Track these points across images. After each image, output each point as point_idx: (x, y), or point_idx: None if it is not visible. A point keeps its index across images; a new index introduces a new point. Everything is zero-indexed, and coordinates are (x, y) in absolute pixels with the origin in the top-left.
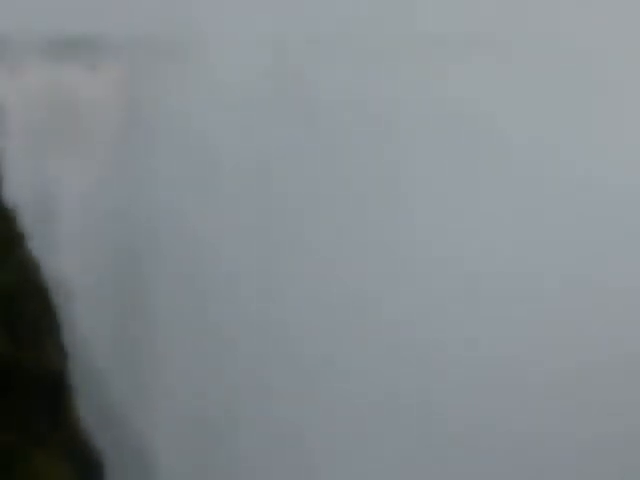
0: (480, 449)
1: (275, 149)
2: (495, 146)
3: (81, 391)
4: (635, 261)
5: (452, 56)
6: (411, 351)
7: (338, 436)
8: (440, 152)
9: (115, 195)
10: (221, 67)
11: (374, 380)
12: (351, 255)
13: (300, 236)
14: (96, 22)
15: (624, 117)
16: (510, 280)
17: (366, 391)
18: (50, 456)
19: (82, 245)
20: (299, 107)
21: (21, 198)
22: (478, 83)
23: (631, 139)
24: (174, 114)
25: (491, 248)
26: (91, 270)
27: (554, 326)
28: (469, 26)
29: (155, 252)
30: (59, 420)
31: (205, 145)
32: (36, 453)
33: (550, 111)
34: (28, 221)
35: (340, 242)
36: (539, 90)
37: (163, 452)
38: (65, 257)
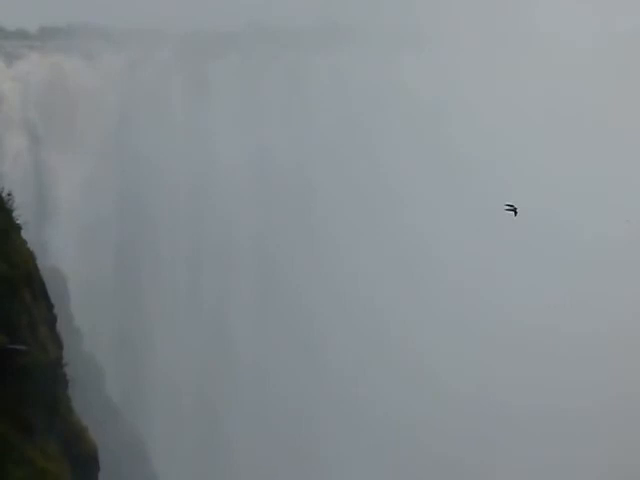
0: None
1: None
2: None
3: (77, 382)
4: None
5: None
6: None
7: (338, 433)
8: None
9: (113, 187)
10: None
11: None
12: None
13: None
14: (95, 11)
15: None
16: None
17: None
18: (42, 447)
19: (80, 236)
20: None
21: (18, 189)
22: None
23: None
24: (172, 105)
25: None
26: (89, 261)
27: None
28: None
29: (153, 244)
30: (52, 411)
31: (205, 137)
32: (28, 444)
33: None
34: (26, 212)
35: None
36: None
37: (158, 444)
38: (63, 248)
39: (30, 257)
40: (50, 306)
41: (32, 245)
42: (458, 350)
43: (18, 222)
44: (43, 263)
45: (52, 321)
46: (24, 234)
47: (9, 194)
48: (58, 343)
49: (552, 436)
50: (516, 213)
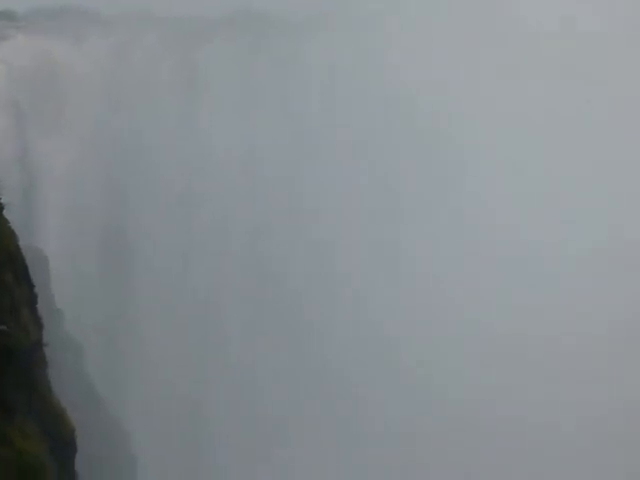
0: None
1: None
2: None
3: (56, 363)
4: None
5: None
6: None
7: (322, 429)
8: None
9: (100, 170)
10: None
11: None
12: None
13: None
14: None
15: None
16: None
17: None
18: (21, 427)
19: (65, 219)
20: None
21: (2, 170)
22: None
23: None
24: (160, 90)
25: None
26: (75, 245)
27: None
28: None
29: (141, 229)
30: (31, 391)
31: (194, 122)
32: (7, 424)
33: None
34: (12, 195)
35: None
36: None
37: (136, 425)
38: (49, 232)
39: (12, 237)
40: (31, 286)
41: (15, 226)
42: (445, 353)
43: (1, 201)
44: (25, 243)
45: (33, 301)
46: (7, 214)
47: None
48: (39, 324)
49: (528, 450)
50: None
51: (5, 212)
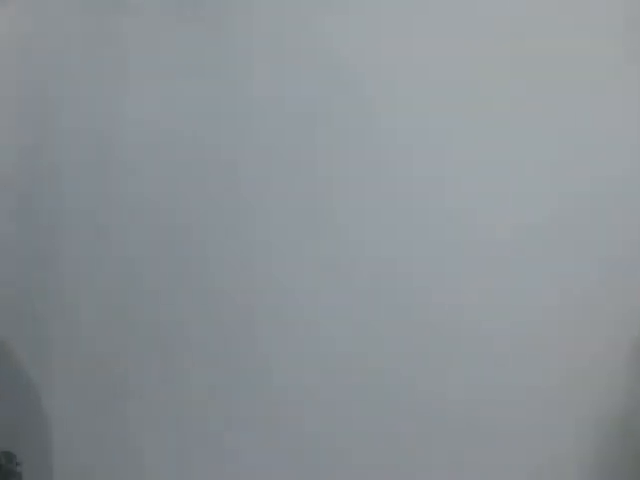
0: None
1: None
2: None
3: None
4: None
5: None
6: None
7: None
8: None
9: (16, 143)
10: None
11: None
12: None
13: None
14: None
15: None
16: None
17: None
18: None
19: None
20: None
21: None
22: None
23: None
24: (76, 54)
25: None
26: None
27: None
28: None
29: (53, 195)
30: None
31: (109, 92)
32: None
33: None
34: None
35: None
36: None
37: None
38: None
39: None
40: None
41: None
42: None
43: None
44: None
45: None
46: None
47: None
48: None
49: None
50: None
51: None
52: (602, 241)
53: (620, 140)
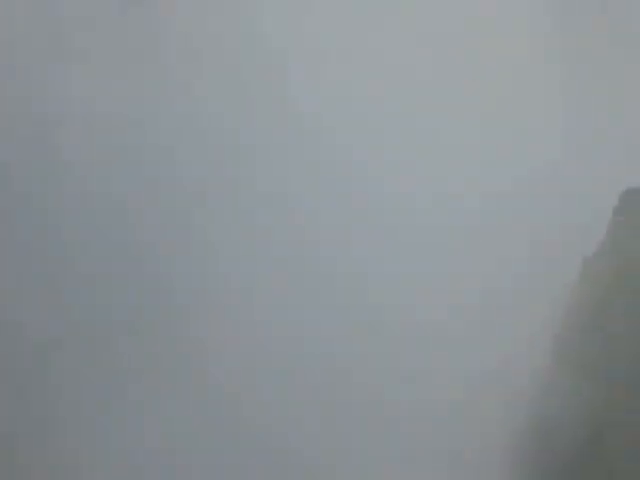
0: None
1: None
2: None
3: None
4: None
5: None
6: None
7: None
8: None
9: None
10: None
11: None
12: None
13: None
14: None
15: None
16: None
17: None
18: None
19: None
20: None
21: None
22: None
23: None
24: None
25: None
26: None
27: None
28: None
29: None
30: None
31: (51, 75)
32: None
33: None
34: None
35: None
36: None
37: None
38: None
39: None
40: None
41: None
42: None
43: None
44: None
45: None
46: None
47: None
48: None
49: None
50: None
51: None
52: (524, 241)
53: (541, 140)
